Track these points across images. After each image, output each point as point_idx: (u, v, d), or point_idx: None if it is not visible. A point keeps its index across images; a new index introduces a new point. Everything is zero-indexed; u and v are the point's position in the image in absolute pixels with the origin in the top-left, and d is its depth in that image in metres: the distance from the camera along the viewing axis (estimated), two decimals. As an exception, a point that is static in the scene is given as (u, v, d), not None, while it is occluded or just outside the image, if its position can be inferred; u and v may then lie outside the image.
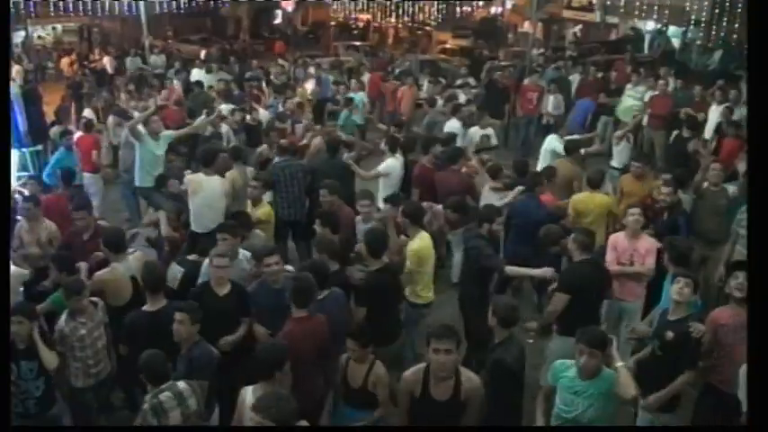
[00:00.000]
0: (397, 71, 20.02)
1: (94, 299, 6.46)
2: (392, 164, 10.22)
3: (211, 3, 34.92)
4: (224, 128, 12.37)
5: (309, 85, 18.05)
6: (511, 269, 7.46)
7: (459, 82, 17.86)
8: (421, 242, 7.36)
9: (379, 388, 5.46)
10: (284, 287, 6.39)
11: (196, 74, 18.87)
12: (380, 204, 9.32)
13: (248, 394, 5.14)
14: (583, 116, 15.52)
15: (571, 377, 5.32)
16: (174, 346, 5.80)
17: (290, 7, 36.41)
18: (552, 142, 11.56)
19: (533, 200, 8.98)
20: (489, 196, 9.46)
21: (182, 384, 5.23)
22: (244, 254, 7.27)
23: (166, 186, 9.69)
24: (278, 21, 37.84)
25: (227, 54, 26.74)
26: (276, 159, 10.26)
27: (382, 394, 5.45)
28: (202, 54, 24.80)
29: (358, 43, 32.27)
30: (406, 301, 7.46)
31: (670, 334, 5.83)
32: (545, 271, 7.30)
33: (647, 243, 7.59)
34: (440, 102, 15.15)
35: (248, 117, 13.55)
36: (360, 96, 15.69)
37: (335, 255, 6.99)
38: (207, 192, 8.63)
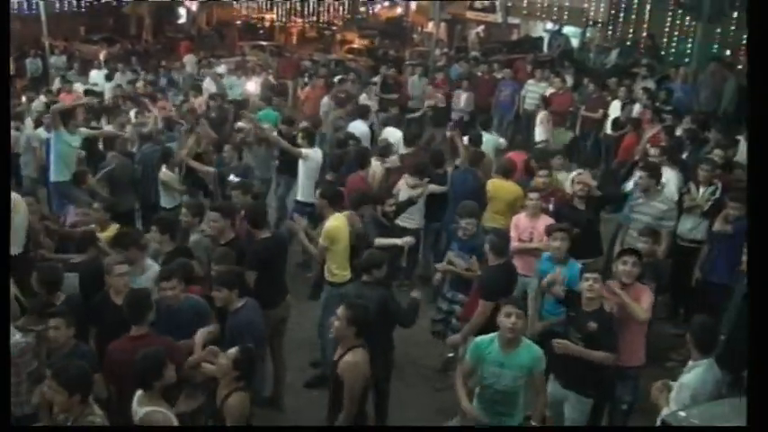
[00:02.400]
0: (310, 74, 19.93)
1: None
2: (312, 152, 10.56)
3: (113, 1, 34.21)
4: (128, 129, 12.22)
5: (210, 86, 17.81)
6: (378, 241, 8.16)
7: (374, 79, 18.00)
8: (334, 222, 7.96)
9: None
10: (181, 307, 6.40)
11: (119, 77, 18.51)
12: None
13: (134, 404, 5.19)
14: (511, 98, 16.42)
15: (496, 351, 5.76)
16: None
17: (194, 6, 36.03)
18: (490, 140, 12.05)
19: (470, 172, 10.17)
20: (405, 191, 9.81)
21: None
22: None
23: (85, 182, 9.56)
24: (182, 20, 37.27)
25: (129, 54, 26.25)
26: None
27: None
28: (102, 55, 24.25)
29: (264, 43, 32.07)
30: (325, 282, 8.09)
31: (593, 325, 6.18)
32: (406, 241, 8.49)
33: (546, 222, 8.28)
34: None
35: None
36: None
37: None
38: (22, 213, 8.02)
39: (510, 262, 7.58)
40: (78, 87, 17.21)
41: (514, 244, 8.31)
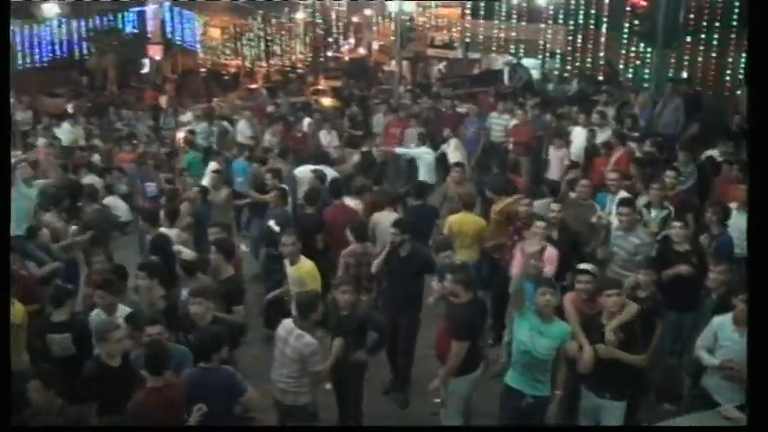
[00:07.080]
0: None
1: None
2: None
3: (76, 55, 34.16)
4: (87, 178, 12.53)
5: (181, 134, 17.98)
6: None
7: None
8: None
9: None
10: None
11: None
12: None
13: None
14: (476, 135, 16.23)
15: (536, 320, 6.46)
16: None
17: (158, 56, 36.10)
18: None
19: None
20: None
21: None
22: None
23: (38, 237, 9.52)
24: (146, 70, 37.31)
25: (98, 107, 26.19)
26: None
27: None
28: (69, 108, 24.20)
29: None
30: None
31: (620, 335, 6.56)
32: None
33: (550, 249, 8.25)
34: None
35: None
36: None
37: None
38: None
39: (477, 297, 7.28)
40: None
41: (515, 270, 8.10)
